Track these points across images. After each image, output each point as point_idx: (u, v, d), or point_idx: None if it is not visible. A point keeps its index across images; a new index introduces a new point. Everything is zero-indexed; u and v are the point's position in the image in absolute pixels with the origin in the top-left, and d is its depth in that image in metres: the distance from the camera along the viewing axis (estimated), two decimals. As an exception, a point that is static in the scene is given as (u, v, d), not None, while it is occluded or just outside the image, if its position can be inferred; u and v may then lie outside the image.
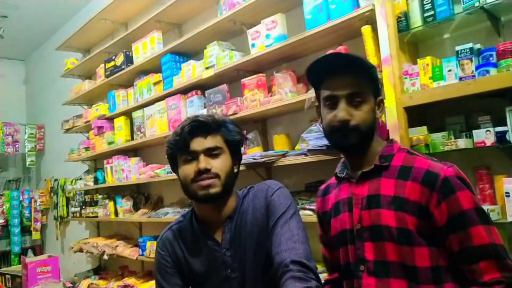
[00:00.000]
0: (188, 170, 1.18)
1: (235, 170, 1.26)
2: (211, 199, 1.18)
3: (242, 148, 1.37)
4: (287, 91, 2.26)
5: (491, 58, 1.53)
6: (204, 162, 1.16)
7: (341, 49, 2.03)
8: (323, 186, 1.33)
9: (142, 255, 3.32)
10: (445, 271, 1.04)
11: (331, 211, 1.23)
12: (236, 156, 1.26)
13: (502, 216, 1.52)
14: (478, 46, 1.60)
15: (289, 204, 1.20)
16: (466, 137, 1.60)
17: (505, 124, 1.49)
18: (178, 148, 1.20)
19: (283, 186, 1.26)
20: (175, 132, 1.22)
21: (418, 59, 1.71)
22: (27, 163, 5.82)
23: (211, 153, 1.18)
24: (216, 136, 1.20)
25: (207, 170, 1.16)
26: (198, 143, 1.18)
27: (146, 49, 3.30)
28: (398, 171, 1.10)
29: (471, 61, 1.56)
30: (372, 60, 1.84)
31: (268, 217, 1.19)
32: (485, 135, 1.53)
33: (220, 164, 1.18)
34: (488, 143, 1.52)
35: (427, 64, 1.68)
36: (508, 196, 1.47)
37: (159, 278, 1.28)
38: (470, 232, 1.00)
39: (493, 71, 1.51)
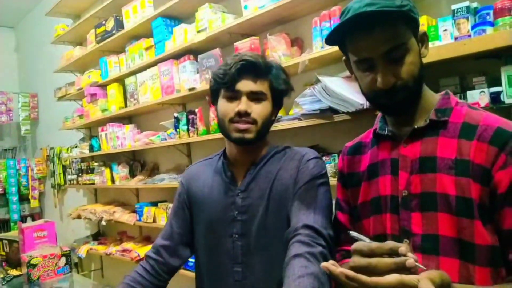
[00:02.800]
0: (228, 108, 1.17)
1: (273, 118, 1.25)
2: (244, 143, 1.19)
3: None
4: (280, 54, 2.22)
5: (488, 17, 1.49)
6: (245, 105, 1.15)
7: (335, 9, 1.98)
8: (350, 144, 1.16)
9: (140, 220, 3.36)
10: (500, 253, 0.87)
11: (364, 174, 1.06)
12: (277, 105, 1.25)
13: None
14: (475, 4, 1.55)
15: (322, 173, 1.19)
16: (461, 99, 1.58)
17: (500, 85, 1.47)
18: (223, 83, 1.19)
19: (320, 157, 1.25)
20: (222, 67, 1.20)
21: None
22: (22, 132, 5.79)
23: (254, 96, 1.17)
24: (264, 81, 1.19)
25: (247, 114, 1.15)
26: (244, 84, 1.17)
27: (137, 13, 3.21)
28: (460, 129, 0.91)
29: (468, 20, 1.53)
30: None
31: (295, 180, 1.18)
32: (479, 96, 1.52)
33: (260, 110, 1.18)
34: (482, 104, 1.50)
35: (422, 24, 1.64)
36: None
37: (174, 205, 1.37)
38: None
39: (489, 30, 1.48)
